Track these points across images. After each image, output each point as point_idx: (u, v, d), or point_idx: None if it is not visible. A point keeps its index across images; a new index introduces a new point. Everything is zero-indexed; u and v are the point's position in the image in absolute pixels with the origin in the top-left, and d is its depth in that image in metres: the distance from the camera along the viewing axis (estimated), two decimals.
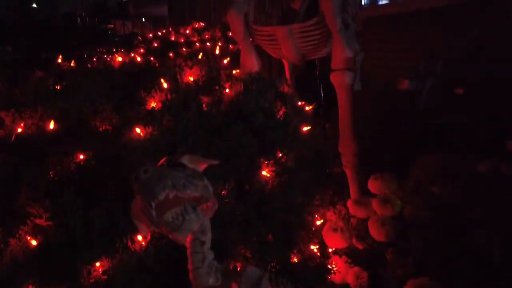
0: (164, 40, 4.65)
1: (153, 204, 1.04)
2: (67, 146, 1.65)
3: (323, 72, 3.10)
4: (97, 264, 1.37)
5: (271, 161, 1.72)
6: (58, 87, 2.00)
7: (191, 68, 1.96)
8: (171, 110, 1.74)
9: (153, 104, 1.79)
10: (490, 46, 3.20)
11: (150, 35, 5.02)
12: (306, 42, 2.60)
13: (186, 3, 8.79)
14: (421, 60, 3.72)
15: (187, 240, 1.17)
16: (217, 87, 1.94)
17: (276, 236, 1.65)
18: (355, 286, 2.06)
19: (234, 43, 4.02)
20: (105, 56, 6.48)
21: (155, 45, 4.51)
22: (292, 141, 1.87)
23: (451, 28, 3.59)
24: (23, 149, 1.62)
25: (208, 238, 1.22)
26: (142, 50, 4.19)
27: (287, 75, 3.48)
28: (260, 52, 2.85)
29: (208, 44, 4.26)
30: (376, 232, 2.12)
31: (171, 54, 3.81)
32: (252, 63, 2.73)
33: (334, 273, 1.96)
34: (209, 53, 2.72)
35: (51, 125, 1.68)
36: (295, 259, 1.76)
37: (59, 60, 2.32)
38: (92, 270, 1.36)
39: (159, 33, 5.03)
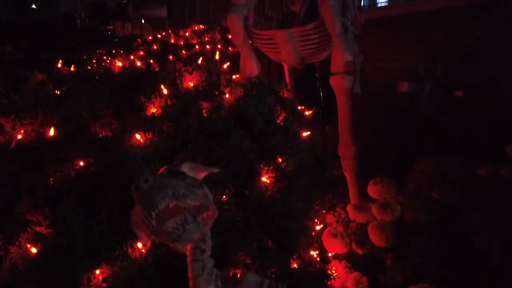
0: (163, 43, 4.65)
1: (153, 214, 1.04)
2: (67, 152, 1.65)
3: (323, 75, 3.10)
4: (97, 271, 1.37)
5: (271, 167, 1.72)
6: (58, 92, 1.99)
7: (191, 73, 1.96)
8: (171, 116, 1.74)
9: (153, 110, 1.79)
10: (489, 48, 3.20)
11: (150, 37, 5.02)
12: (306, 46, 2.60)
13: (186, 5, 8.79)
14: (420, 62, 3.72)
15: (187, 249, 1.17)
16: (216, 93, 1.94)
17: (276, 242, 1.65)
18: None
19: (234, 45, 4.02)
20: (105, 57, 6.50)
21: (155, 47, 4.51)
22: (292, 146, 1.87)
23: (451, 30, 3.59)
24: (23, 156, 1.62)
25: (208, 246, 1.22)
26: (141, 53, 4.18)
27: (287, 78, 3.49)
28: (260, 55, 2.85)
29: (207, 46, 4.26)
30: (376, 238, 2.12)
31: (170, 57, 3.81)
32: (251, 67, 2.73)
33: (334, 278, 1.96)
34: (209, 57, 2.71)
35: (51, 132, 1.68)
36: (295, 265, 1.76)
37: (59, 65, 2.31)
38: (92, 278, 1.36)
39: (159, 36, 5.03)
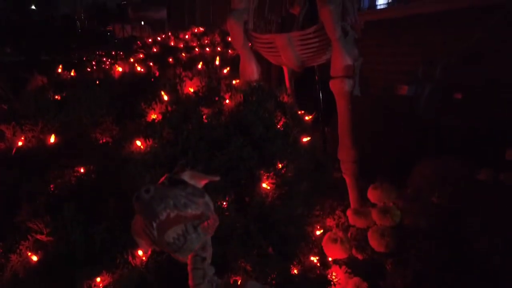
0: (163, 45, 4.65)
1: (154, 225, 1.05)
2: (68, 159, 1.65)
3: (322, 78, 3.10)
4: (98, 279, 1.37)
5: (271, 173, 1.72)
6: (59, 98, 2.00)
7: (191, 79, 1.96)
8: (171, 122, 1.74)
9: (154, 116, 1.79)
10: (489, 51, 3.20)
11: (150, 40, 5.01)
12: (306, 49, 2.60)
13: (185, 7, 8.79)
14: (420, 65, 3.73)
15: (188, 257, 1.17)
16: (217, 98, 1.94)
17: (276, 249, 1.66)
18: None
19: (234, 48, 4.02)
20: (104, 59, 6.51)
21: (155, 50, 4.51)
22: (292, 152, 1.88)
23: (450, 33, 3.59)
24: (23, 163, 1.62)
25: (208, 254, 1.22)
26: (141, 55, 4.18)
27: (287, 80, 3.49)
28: (259, 58, 2.85)
29: (207, 49, 4.26)
30: (376, 243, 2.12)
31: (170, 60, 3.81)
32: (251, 70, 2.73)
33: (334, 284, 1.97)
34: (209, 61, 2.71)
35: (52, 139, 1.68)
36: (295, 271, 1.76)
37: (59, 70, 2.32)
38: (92, 285, 1.36)
39: (159, 38, 5.03)
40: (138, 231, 1.17)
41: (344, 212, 2.55)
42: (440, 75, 3.49)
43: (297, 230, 1.76)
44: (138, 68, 2.36)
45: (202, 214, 1.16)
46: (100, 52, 6.91)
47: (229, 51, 4.13)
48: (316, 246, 2.09)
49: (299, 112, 2.28)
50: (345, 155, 2.49)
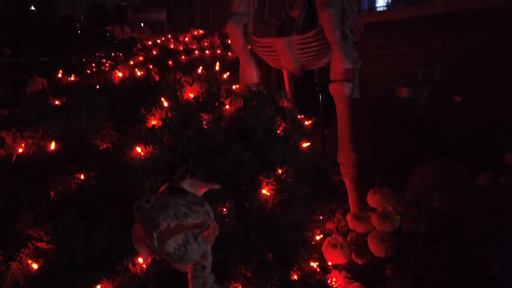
0: (163, 48, 4.65)
1: (155, 235, 1.05)
2: (68, 165, 1.65)
3: (322, 80, 3.11)
4: (98, 286, 1.37)
5: (271, 179, 1.72)
6: (59, 103, 2.00)
7: (191, 85, 1.96)
8: (171, 128, 1.74)
9: (154, 122, 1.80)
10: (489, 53, 3.21)
11: (149, 42, 5.02)
12: (305, 53, 2.61)
13: (185, 9, 8.80)
14: (419, 67, 3.73)
15: (188, 267, 1.18)
16: (217, 104, 1.95)
17: (276, 255, 1.66)
18: None
19: (233, 51, 4.02)
20: (104, 60, 6.51)
21: (154, 53, 4.51)
22: (292, 157, 1.88)
23: (450, 35, 3.60)
24: (24, 170, 1.62)
25: (208, 262, 1.23)
26: (141, 58, 4.18)
27: (286, 83, 3.50)
28: (259, 61, 2.86)
29: (207, 52, 4.26)
30: (375, 248, 2.13)
31: (170, 62, 3.81)
32: (251, 74, 2.74)
33: None
34: (209, 65, 2.71)
35: (52, 146, 1.69)
36: (295, 277, 1.77)
37: (59, 75, 2.32)
38: None
39: (158, 41, 5.03)
40: (138, 240, 1.17)
41: (343, 215, 2.56)
42: (440, 77, 3.49)
43: (297, 235, 1.76)
44: (138, 73, 2.36)
45: (203, 223, 1.16)
46: (100, 54, 6.90)
47: (229, 53, 4.13)
48: (316, 251, 2.10)
49: (299, 117, 2.28)
50: (345, 158, 2.50)
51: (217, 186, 1.30)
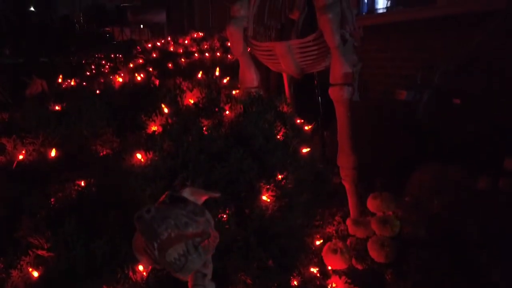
0: (163, 51, 4.65)
1: (155, 245, 1.05)
2: (68, 172, 1.66)
3: (321, 82, 3.11)
4: None
5: (271, 185, 1.73)
6: (59, 108, 2.00)
7: (191, 90, 1.97)
8: (171, 134, 1.74)
9: (154, 128, 1.80)
10: (490, 55, 3.21)
11: (149, 45, 5.02)
12: (305, 57, 2.62)
13: (185, 11, 8.80)
14: (419, 70, 3.73)
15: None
16: (217, 109, 1.95)
17: (276, 261, 1.66)
18: None
19: (233, 54, 4.02)
20: (104, 62, 6.52)
21: (154, 55, 4.52)
22: (292, 162, 1.88)
23: (449, 38, 3.60)
24: (24, 177, 1.63)
25: (209, 270, 1.23)
26: (141, 61, 4.19)
27: (286, 86, 3.51)
28: (258, 64, 2.86)
29: (206, 54, 4.27)
30: (375, 254, 2.13)
31: (170, 65, 3.81)
32: (251, 77, 2.74)
33: None
34: (209, 71, 2.71)
35: (53, 153, 1.69)
36: (295, 282, 1.77)
37: (59, 80, 2.32)
38: None
39: (158, 43, 5.03)
40: (139, 249, 1.18)
41: (343, 218, 2.56)
42: (440, 80, 3.49)
43: (297, 241, 1.76)
44: (138, 78, 2.37)
45: (203, 232, 1.17)
46: (99, 55, 6.91)
47: (228, 56, 4.13)
48: (316, 256, 2.10)
49: (299, 121, 2.29)
50: (345, 161, 2.50)
51: (217, 195, 1.31)
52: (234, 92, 2.18)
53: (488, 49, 3.21)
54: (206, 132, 1.81)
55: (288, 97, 3.50)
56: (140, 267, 1.42)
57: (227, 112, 1.95)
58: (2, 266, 1.43)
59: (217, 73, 2.59)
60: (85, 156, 1.75)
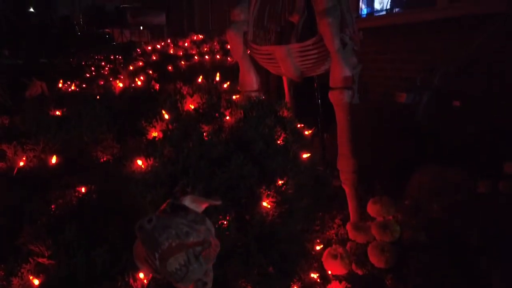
0: (163, 53, 4.65)
1: (156, 255, 1.06)
2: (68, 177, 1.66)
3: (321, 84, 3.11)
4: None
5: (272, 191, 1.73)
6: (59, 113, 2.00)
7: (191, 96, 1.97)
8: (172, 140, 1.74)
9: (154, 134, 1.80)
10: (489, 58, 3.21)
11: (149, 47, 5.02)
12: (305, 61, 2.62)
13: (184, 13, 8.80)
14: (418, 72, 3.74)
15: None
16: (217, 115, 1.95)
17: (276, 267, 1.66)
18: None
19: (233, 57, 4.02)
20: (103, 63, 6.52)
21: (154, 58, 4.52)
22: (292, 168, 1.88)
23: (449, 40, 3.61)
24: (25, 183, 1.63)
25: (210, 278, 1.23)
26: (141, 63, 4.19)
27: (286, 89, 3.51)
28: (258, 67, 2.86)
29: (206, 57, 4.26)
30: (375, 259, 2.13)
31: (170, 68, 3.81)
32: (251, 81, 2.74)
33: None
34: (209, 74, 2.72)
35: (53, 160, 1.69)
36: None
37: (60, 85, 2.33)
38: None
39: (158, 46, 5.03)
40: (140, 257, 1.18)
41: (343, 221, 2.57)
42: (439, 82, 3.49)
43: (297, 247, 1.77)
44: (139, 83, 2.37)
45: (204, 240, 1.17)
46: (99, 57, 6.91)
47: (228, 58, 4.13)
48: (316, 261, 2.10)
49: (299, 125, 2.29)
50: (345, 165, 2.50)
51: (218, 202, 1.31)
52: (234, 97, 2.18)
53: (488, 52, 3.21)
54: (206, 138, 1.81)
55: (288, 100, 3.50)
56: (141, 275, 1.41)
57: (228, 118, 1.96)
58: (2, 273, 1.43)
59: (217, 78, 2.59)
60: (85, 162, 1.75)
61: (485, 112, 3.09)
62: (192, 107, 1.96)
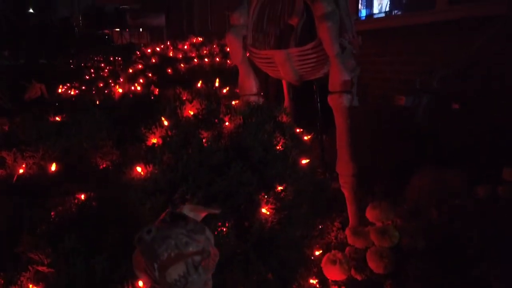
0: (162, 56, 4.65)
1: (155, 266, 1.06)
2: (68, 184, 1.66)
3: (320, 86, 3.12)
4: None
5: (271, 198, 1.73)
6: (59, 119, 2.01)
7: (191, 102, 1.97)
8: (171, 147, 1.75)
9: (154, 140, 1.80)
10: (489, 60, 3.21)
11: (149, 50, 5.02)
12: (304, 65, 2.63)
13: (184, 15, 8.80)
14: (418, 74, 3.74)
15: None
16: (216, 121, 1.95)
17: (275, 274, 1.67)
18: None
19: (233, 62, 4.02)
20: (103, 65, 6.52)
21: (153, 61, 4.52)
22: (291, 174, 1.88)
23: (448, 43, 3.61)
24: (24, 190, 1.63)
25: (209, 287, 1.24)
26: (140, 66, 4.19)
27: (285, 92, 3.52)
28: (258, 70, 2.87)
29: (206, 60, 4.27)
30: (374, 265, 2.14)
31: (169, 70, 3.81)
32: (250, 85, 2.75)
33: None
34: (208, 77, 2.72)
35: (53, 167, 1.69)
36: None
37: (59, 90, 2.33)
38: None
39: (157, 49, 5.03)
40: (139, 267, 1.18)
41: (342, 224, 2.57)
42: (439, 84, 3.50)
43: (296, 253, 1.77)
44: (138, 88, 2.37)
45: (203, 250, 1.17)
46: (99, 58, 6.91)
47: (228, 61, 4.13)
48: (316, 266, 2.11)
49: (298, 130, 2.29)
50: (344, 168, 2.50)
51: (217, 211, 1.31)
52: (233, 102, 2.19)
53: (488, 54, 3.21)
54: (205, 144, 1.81)
55: (287, 103, 3.51)
56: (140, 283, 1.42)
57: (227, 124, 1.96)
58: (2, 282, 1.43)
59: (216, 84, 2.59)
60: (85, 168, 1.75)
61: (484, 114, 3.10)
62: (192, 113, 1.97)
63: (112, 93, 2.25)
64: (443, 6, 3.70)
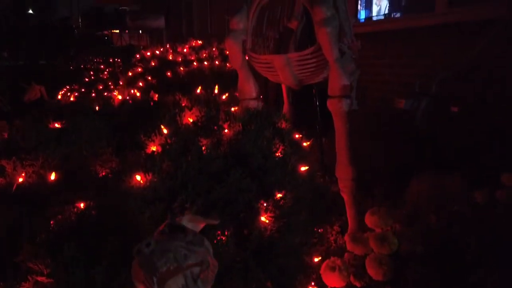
0: (161, 59, 4.66)
1: (155, 279, 1.06)
2: (68, 192, 1.66)
3: (320, 89, 3.12)
4: None
5: (270, 205, 1.73)
6: (59, 125, 2.01)
7: (190, 109, 1.97)
8: (170, 155, 1.75)
9: (153, 148, 1.80)
10: (489, 64, 3.21)
11: (148, 53, 5.02)
12: (303, 70, 2.63)
13: (183, 17, 8.80)
14: (417, 77, 3.74)
15: None
16: (215, 128, 1.96)
17: (274, 281, 1.67)
18: None
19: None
20: (102, 66, 6.53)
21: (153, 64, 4.52)
22: (291, 181, 1.89)
23: (448, 46, 3.61)
24: (24, 199, 1.63)
25: None
26: (140, 69, 4.19)
27: (284, 95, 3.52)
28: (257, 74, 2.87)
29: (205, 63, 4.27)
30: (373, 272, 2.14)
31: (169, 74, 3.82)
32: (250, 89, 2.75)
33: None
34: (208, 81, 2.72)
35: (52, 176, 1.70)
36: None
37: (59, 97, 2.33)
38: None
39: (157, 52, 5.04)
40: (137, 278, 1.18)
41: (341, 228, 2.57)
42: (438, 88, 3.50)
43: (295, 260, 1.77)
44: (137, 94, 2.37)
45: (202, 261, 1.17)
46: (98, 59, 6.91)
47: (227, 64, 4.13)
48: (315, 272, 2.11)
49: (297, 136, 2.29)
50: (343, 173, 2.50)
51: (216, 222, 1.31)
52: (233, 109, 2.19)
53: (489, 57, 3.21)
54: (205, 152, 1.81)
55: (287, 107, 3.51)
56: None
57: (226, 130, 1.96)
58: None
59: (215, 91, 2.60)
60: (84, 176, 1.76)
61: (484, 117, 3.10)
62: (191, 120, 1.97)
63: (112, 99, 2.25)
64: (443, 9, 3.70)
